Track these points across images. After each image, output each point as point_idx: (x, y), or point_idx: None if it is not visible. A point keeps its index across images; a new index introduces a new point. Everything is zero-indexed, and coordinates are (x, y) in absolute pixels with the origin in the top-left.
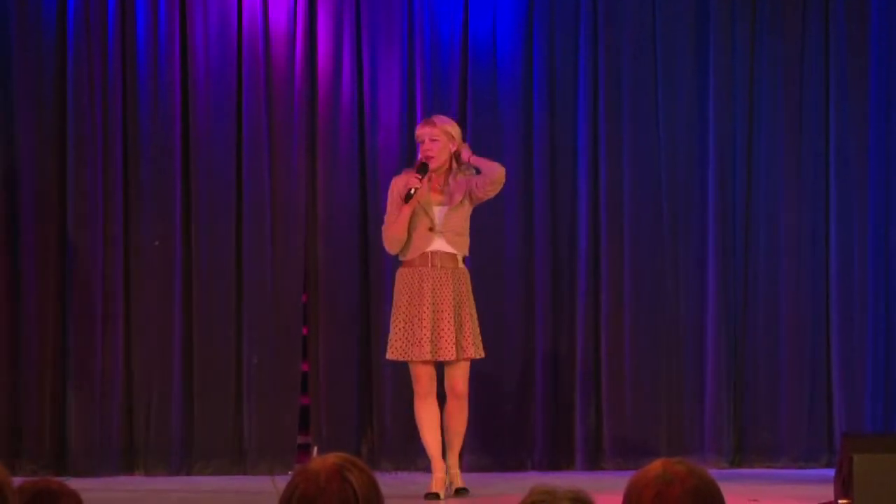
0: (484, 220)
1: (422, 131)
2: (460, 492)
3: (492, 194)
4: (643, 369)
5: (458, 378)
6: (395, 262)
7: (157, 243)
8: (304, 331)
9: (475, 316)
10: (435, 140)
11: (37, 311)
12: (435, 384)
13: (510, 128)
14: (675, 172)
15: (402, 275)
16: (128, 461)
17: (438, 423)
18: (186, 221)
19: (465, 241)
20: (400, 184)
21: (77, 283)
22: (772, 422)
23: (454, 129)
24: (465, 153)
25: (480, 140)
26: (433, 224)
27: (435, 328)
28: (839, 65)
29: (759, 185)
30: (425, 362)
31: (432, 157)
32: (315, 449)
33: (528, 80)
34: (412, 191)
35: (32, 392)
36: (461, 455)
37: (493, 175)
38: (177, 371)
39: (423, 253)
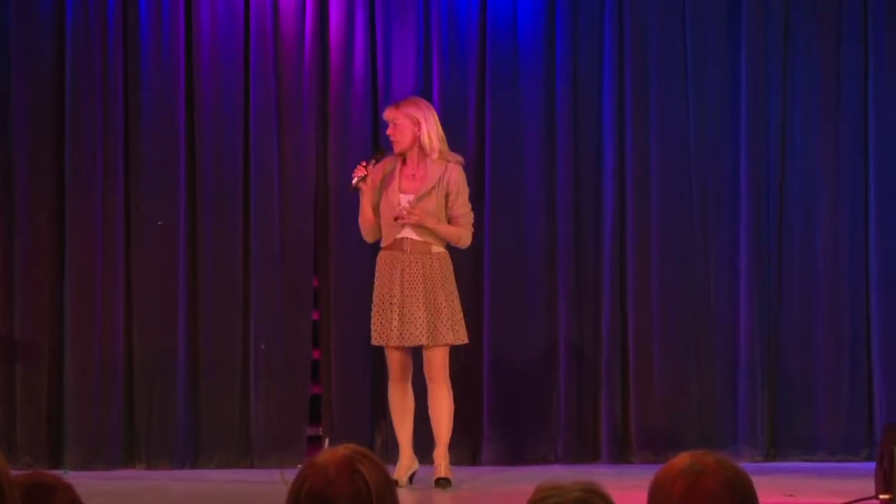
0: (503, 202)
1: (385, 115)
2: (441, 482)
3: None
4: (672, 357)
5: (435, 363)
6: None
7: (160, 223)
8: (315, 316)
9: (456, 301)
10: (396, 124)
11: (32, 295)
12: (409, 370)
13: (531, 103)
14: (705, 148)
15: (378, 258)
16: (128, 453)
17: (410, 410)
18: (192, 202)
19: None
20: (373, 171)
21: (75, 266)
22: (808, 413)
23: (421, 112)
24: (431, 221)
25: (501, 116)
26: (397, 213)
27: (403, 313)
28: (877, 40)
29: (795, 160)
30: (397, 347)
31: (395, 143)
32: (326, 441)
33: (550, 51)
34: (354, 179)
35: (28, 380)
36: (469, 452)
37: (451, 240)
38: (180, 358)
39: (396, 238)
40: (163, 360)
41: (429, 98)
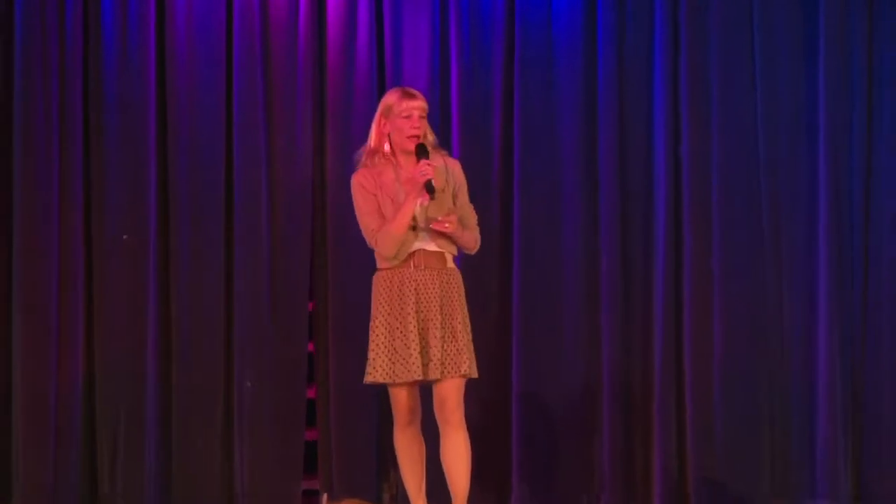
0: (535, 214)
1: (411, 104)
2: None
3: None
4: (737, 397)
5: (450, 400)
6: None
7: (126, 237)
8: (311, 347)
9: (468, 325)
10: (423, 117)
11: None
12: (419, 412)
13: (568, 91)
14: (778, 153)
15: (380, 280)
16: None
17: (421, 459)
18: (163, 212)
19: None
20: (364, 181)
21: (25, 288)
22: None
23: None
24: (461, 227)
25: (532, 106)
26: (413, 220)
27: (423, 341)
28: None
29: (881, 160)
30: (406, 384)
31: (420, 138)
32: (325, 497)
33: (590, 30)
34: (432, 181)
35: None
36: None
37: (467, 246)
38: (150, 398)
39: (406, 255)
40: (129, 402)
41: (446, 90)
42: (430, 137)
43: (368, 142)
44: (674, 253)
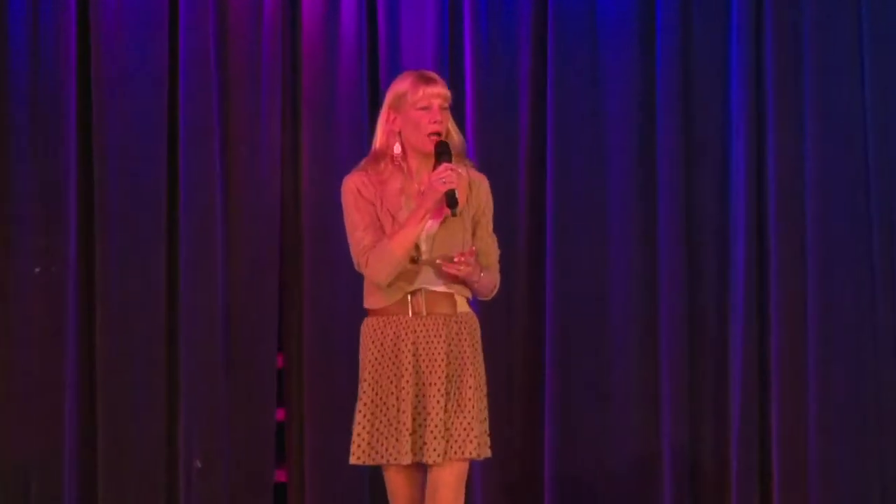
0: (573, 235)
1: (429, 91)
2: None
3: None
4: (837, 455)
5: (447, 489)
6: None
7: (37, 270)
8: (280, 415)
9: (483, 390)
10: (445, 108)
11: None
12: (420, 499)
13: (616, 87)
14: (887, 147)
15: (369, 328)
16: None
17: None
18: (86, 234)
19: None
20: (361, 186)
21: None
22: None
23: None
24: (479, 270)
25: (570, 99)
26: (416, 250)
27: (421, 411)
28: None
29: None
30: (409, 467)
31: (442, 135)
32: None
33: (646, 16)
34: (455, 192)
35: None
36: None
37: (482, 292)
38: (68, 477)
39: (403, 294)
40: (43, 478)
41: (459, 77)
42: (456, 137)
43: (374, 143)
44: (756, 288)
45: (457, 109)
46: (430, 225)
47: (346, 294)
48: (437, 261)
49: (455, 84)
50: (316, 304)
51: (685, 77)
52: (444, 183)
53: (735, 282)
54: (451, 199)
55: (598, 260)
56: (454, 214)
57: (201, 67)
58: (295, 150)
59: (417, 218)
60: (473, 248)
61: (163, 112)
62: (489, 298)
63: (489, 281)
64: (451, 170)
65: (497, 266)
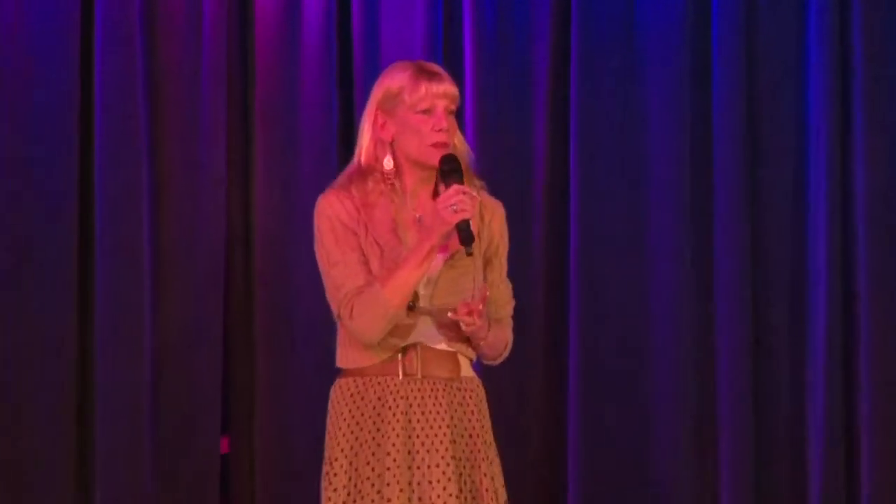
0: (600, 250)
1: (433, 89)
2: None
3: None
4: None
5: None
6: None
7: None
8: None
9: (502, 480)
10: (452, 112)
11: None
12: None
13: (657, 80)
14: None
15: (343, 392)
16: None
17: None
18: None
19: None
20: (339, 208)
21: None
22: None
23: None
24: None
25: (598, 100)
26: (414, 296)
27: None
28: None
29: None
30: None
31: (447, 146)
32: None
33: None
34: (470, 223)
35: None
36: None
37: (489, 354)
38: None
39: (394, 351)
40: None
41: (455, 71)
42: (463, 150)
43: (356, 154)
44: (840, 304)
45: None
46: (434, 264)
47: (311, 355)
48: (449, 313)
49: (452, 69)
50: (272, 371)
51: (748, 75)
52: (456, 211)
53: (814, 314)
54: (464, 233)
55: (635, 311)
56: (468, 253)
57: (125, 64)
58: (245, 171)
59: (419, 257)
60: (486, 292)
61: (73, 127)
62: (497, 362)
63: (499, 339)
64: (464, 193)
65: (510, 320)
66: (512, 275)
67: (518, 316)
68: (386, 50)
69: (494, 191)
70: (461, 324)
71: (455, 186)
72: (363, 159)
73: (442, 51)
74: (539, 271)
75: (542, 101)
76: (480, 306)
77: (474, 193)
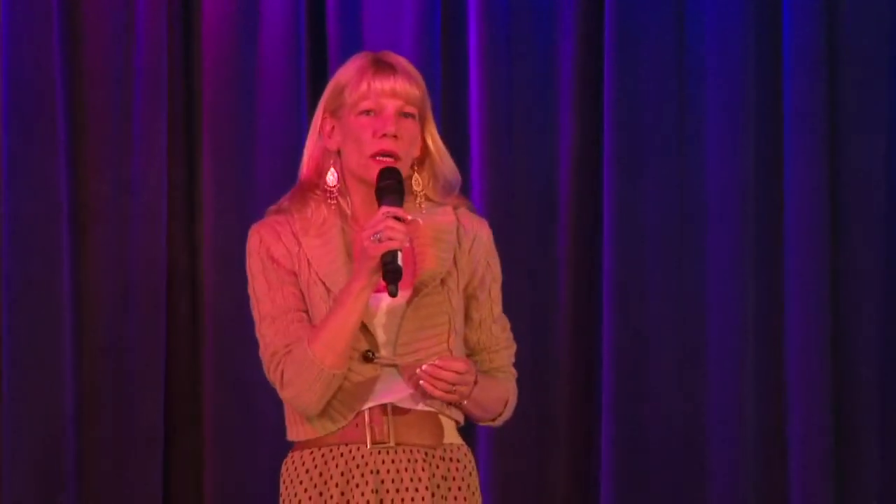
0: (634, 268)
1: (377, 85)
2: None
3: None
4: None
5: None
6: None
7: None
8: None
9: None
10: (409, 115)
11: None
12: None
13: (714, 61)
14: None
15: (296, 467)
16: None
17: None
18: None
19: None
20: (270, 242)
21: None
22: None
23: (425, 92)
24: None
25: (637, 98)
26: (372, 339)
27: None
28: None
29: None
30: None
31: (395, 158)
32: None
33: None
34: (398, 254)
35: None
36: None
37: (482, 416)
38: None
39: (357, 414)
40: None
41: (459, 76)
42: (439, 163)
43: (300, 167)
44: None
45: (455, 123)
46: (393, 301)
47: (268, 430)
48: (418, 370)
49: (453, 85)
50: (223, 450)
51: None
52: (380, 241)
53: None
54: (388, 268)
55: (689, 345)
56: (392, 294)
57: (41, 60)
58: (189, 195)
59: (347, 302)
60: (462, 352)
61: None
62: (497, 424)
63: (491, 397)
64: (392, 214)
65: (511, 370)
66: (532, 310)
67: (543, 362)
68: (370, 35)
69: (507, 210)
70: (434, 388)
71: (382, 209)
72: (304, 174)
73: (440, 45)
74: (563, 303)
75: (568, 100)
76: (457, 362)
77: (409, 217)
